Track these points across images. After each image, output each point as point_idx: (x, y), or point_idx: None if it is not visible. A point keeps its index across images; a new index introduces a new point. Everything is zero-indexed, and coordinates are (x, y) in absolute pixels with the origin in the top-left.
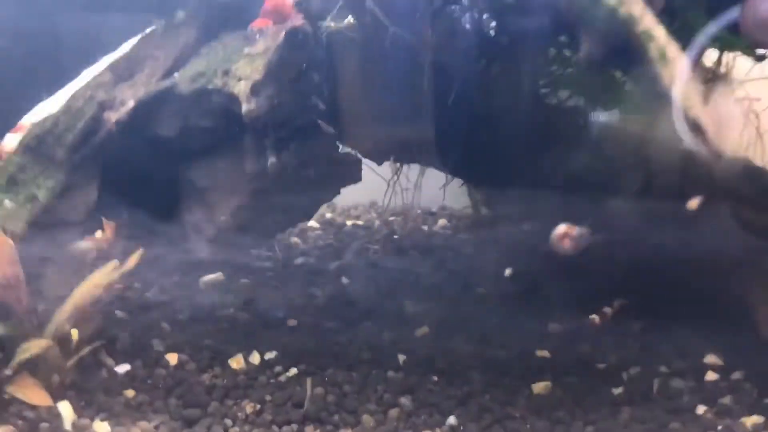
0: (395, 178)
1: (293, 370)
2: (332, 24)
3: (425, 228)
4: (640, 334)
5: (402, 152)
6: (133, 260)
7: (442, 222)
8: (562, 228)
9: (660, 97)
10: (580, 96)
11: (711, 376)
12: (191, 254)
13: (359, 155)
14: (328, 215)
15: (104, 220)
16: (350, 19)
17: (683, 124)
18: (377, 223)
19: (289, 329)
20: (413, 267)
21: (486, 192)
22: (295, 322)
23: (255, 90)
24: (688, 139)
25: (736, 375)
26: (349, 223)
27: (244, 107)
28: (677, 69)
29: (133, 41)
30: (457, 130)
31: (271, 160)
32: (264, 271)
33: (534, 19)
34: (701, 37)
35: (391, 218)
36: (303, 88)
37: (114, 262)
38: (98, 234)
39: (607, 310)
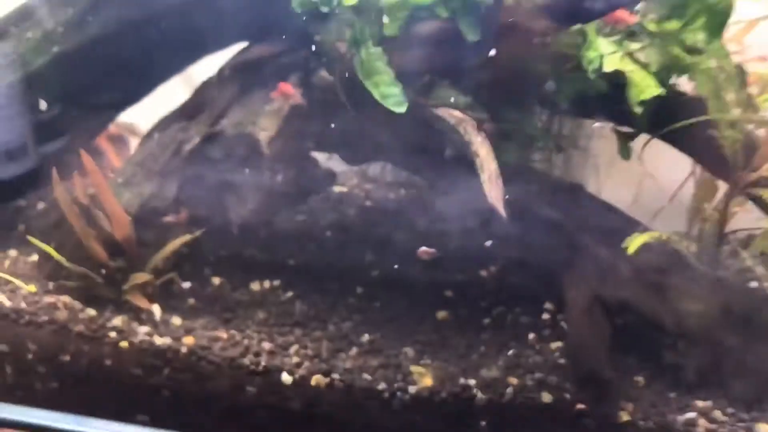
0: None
1: (289, 293)
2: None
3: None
4: (510, 285)
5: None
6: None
7: None
8: (422, 249)
9: None
10: None
11: (544, 315)
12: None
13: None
14: None
15: (182, 209)
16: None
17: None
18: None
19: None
20: None
21: None
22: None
23: (271, 142)
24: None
25: (561, 316)
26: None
27: (266, 151)
28: (488, 174)
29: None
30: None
31: (280, 177)
32: None
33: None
34: None
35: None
36: (301, 139)
37: (188, 236)
38: (178, 215)
39: (492, 268)
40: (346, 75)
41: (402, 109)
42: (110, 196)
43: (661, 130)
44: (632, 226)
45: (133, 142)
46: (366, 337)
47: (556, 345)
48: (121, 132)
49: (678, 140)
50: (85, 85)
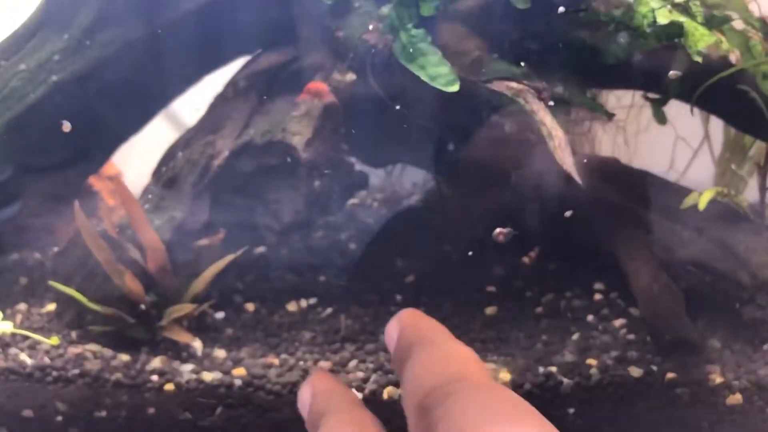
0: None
1: (329, 310)
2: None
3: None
4: (554, 271)
5: (391, 157)
6: (240, 252)
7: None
8: (497, 230)
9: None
10: None
11: (597, 296)
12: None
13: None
14: None
15: (220, 230)
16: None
17: (565, 165)
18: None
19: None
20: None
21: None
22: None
23: (308, 144)
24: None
25: (613, 294)
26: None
27: (303, 155)
28: (558, 141)
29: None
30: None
31: (317, 183)
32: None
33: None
34: None
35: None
36: (336, 140)
37: (231, 256)
38: (213, 237)
39: (532, 254)
40: (379, 68)
41: (455, 87)
42: (145, 225)
43: (690, 93)
44: (676, 189)
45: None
46: None
47: (619, 322)
48: (116, 171)
49: (708, 102)
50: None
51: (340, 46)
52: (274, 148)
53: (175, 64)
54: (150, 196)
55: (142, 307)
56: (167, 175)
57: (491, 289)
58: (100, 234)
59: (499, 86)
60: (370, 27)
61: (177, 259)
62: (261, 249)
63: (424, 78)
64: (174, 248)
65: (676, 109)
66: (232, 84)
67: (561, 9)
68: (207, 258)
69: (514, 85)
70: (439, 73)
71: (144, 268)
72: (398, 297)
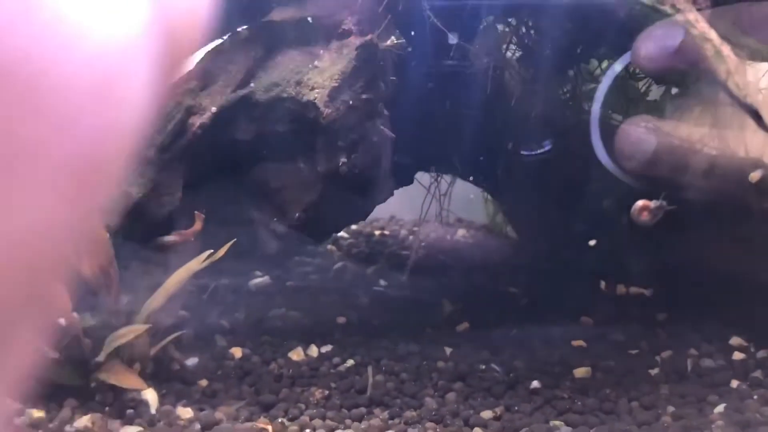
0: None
1: (350, 361)
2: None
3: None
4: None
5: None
6: (222, 251)
7: (461, 232)
8: (640, 203)
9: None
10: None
11: (738, 355)
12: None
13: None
14: (354, 227)
15: (196, 213)
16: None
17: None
18: (402, 232)
19: (340, 326)
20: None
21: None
22: (344, 319)
23: (332, 96)
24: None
25: (762, 353)
26: (377, 233)
27: (324, 111)
28: (731, 63)
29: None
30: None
31: (343, 160)
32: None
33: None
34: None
35: (415, 228)
36: (372, 96)
37: (207, 252)
38: (186, 229)
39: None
40: None
41: None
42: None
43: None
44: None
45: None
46: (488, 413)
47: None
48: None
49: None
50: None
51: None
52: (282, 106)
53: None
54: None
55: (63, 322)
56: None
57: (580, 344)
58: None
59: None
60: None
61: (128, 261)
62: (258, 279)
63: None
64: (124, 246)
65: None
66: (236, 33)
67: None
68: (176, 260)
69: None
70: None
71: (78, 272)
72: (447, 350)
